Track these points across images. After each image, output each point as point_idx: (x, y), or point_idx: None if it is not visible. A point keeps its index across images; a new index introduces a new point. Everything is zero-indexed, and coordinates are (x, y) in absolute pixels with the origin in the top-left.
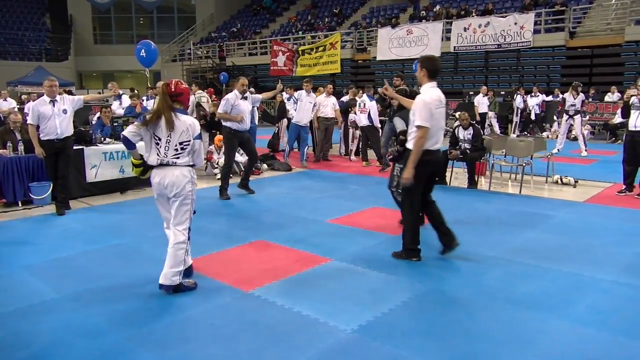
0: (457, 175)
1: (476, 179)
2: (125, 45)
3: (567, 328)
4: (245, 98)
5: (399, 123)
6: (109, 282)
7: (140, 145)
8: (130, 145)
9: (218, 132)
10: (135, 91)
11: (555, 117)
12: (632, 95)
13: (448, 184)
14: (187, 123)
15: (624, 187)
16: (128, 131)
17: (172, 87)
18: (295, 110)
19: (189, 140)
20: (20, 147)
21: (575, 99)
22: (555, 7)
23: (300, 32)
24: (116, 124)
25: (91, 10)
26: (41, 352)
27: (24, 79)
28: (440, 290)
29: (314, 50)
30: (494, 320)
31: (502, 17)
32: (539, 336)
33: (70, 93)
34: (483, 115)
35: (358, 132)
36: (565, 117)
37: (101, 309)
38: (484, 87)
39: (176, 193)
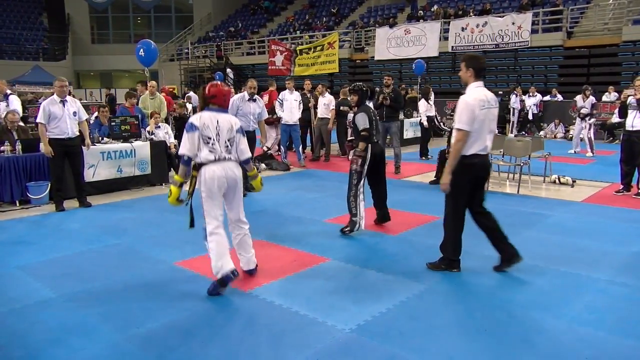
0: None
1: None
2: (122, 45)
3: (564, 327)
4: (254, 100)
5: (360, 120)
6: (106, 282)
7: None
8: (189, 162)
9: None
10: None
11: (575, 118)
12: (629, 95)
13: None
14: (231, 121)
15: (621, 186)
16: (186, 149)
17: (207, 90)
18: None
19: (234, 137)
20: (18, 147)
21: (584, 101)
22: (552, 7)
23: (298, 32)
24: (113, 123)
25: (88, 9)
26: (37, 351)
27: (21, 78)
28: (437, 290)
29: (312, 49)
30: (492, 320)
31: (499, 17)
32: (536, 336)
33: None
34: None
35: None
36: (577, 119)
37: (98, 309)
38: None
39: (238, 184)
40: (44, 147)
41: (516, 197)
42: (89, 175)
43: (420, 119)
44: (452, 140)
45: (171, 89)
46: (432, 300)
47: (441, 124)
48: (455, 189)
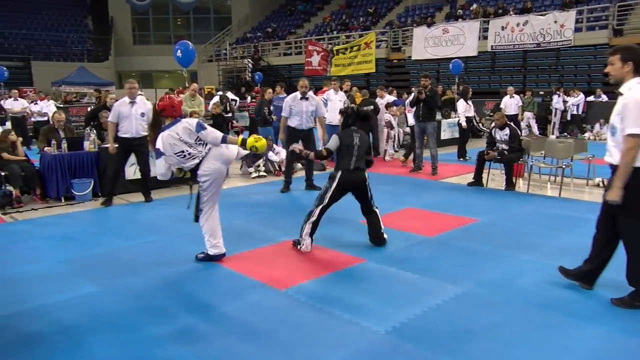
0: (494, 176)
1: (514, 180)
2: (162, 46)
3: (606, 336)
4: (306, 99)
5: (331, 142)
6: (145, 278)
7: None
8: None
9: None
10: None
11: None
12: None
13: (485, 185)
14: (187, 126)
15: None
16: (160, 175)
17: (157, 107)
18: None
19: (197, 136)
20: (64, 145)
21: None
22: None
23: (334, 32)
24: None
25: (130, 11)
26: (80, 342)
27: (67, 79)
28: (474, 294)
29: (349, 49)
30: (530, 326)
31: (541, 15)
32: (577, 344)
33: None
34: (511, 118)
35: (393, 132)
36: None
37: (137, 304)
38: (510, 88)
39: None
40: (110, 145)
41: (557, 200)
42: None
43: (459, 120)
44: (620, 148)
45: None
46: (469, 305)
47: (480, 124)
48: (636, 209)
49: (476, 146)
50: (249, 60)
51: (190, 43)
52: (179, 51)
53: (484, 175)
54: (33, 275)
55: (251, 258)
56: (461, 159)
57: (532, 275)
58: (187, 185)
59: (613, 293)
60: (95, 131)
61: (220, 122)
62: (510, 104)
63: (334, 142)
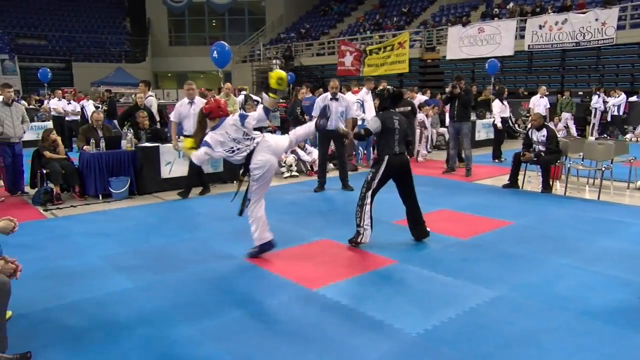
0: (530, 178)
1: (551, 183)
2: (198, 47)
3: None
4: (337, 99)
5: (372, 123)
6: (180, 275)
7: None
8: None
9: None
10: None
11: None
12: None
13: (520, 187)
14: (233, 123)
15: None
16: (200, 160)
17: (205, 110)
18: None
19: (244, 130)
20: (102, 144)
21: None
22: None
23: (368, 32)
24: None
25: (167, 13)
26: (116, 337)
27: (106, 79)
28: (509, 298)
29: (382, 49)
30: (567, 332)
31: (581, 13)
32: (616, 352)
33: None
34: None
35: (427, 133)
36: None
37: (172, 301)
38: (542, 88)
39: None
40: (173, 142)
41: (596, 204)
42: (165, 172)
43: (494, 120)
44: None
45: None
46: (503, 308)
47: (515, 125)
48: None
49: (512, 147)
50: (277, 60)
51: (226, 44)
52: (215, 52)
53: (520, 177)
54: (72, 271)
55: (283, 257)
56: (496, 160)
57: (569, 280)
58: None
59: None
60: (132, 130)
61: None
62: (540, 103)
63: (375, 123)
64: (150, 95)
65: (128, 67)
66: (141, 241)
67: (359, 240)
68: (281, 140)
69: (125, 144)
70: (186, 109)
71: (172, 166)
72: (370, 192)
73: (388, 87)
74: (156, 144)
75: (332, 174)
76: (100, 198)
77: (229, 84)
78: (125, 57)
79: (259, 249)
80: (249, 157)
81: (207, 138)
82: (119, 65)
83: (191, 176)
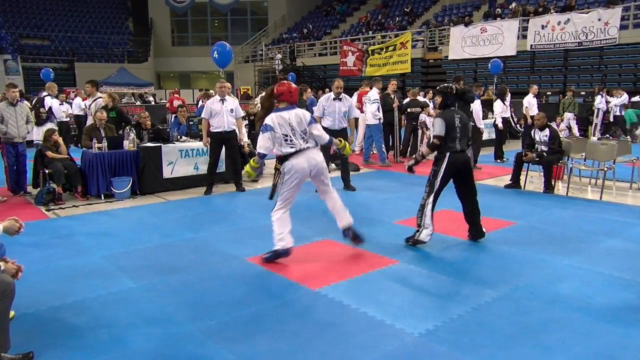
0: (532, 178)
1: (553, 183)
2: (200, 47)
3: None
4: (340, 99)
5: (436, 126)
6: (182, 275)
7: None
8: (264, 157)
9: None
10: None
11: None
12: None
13: (522, 187)
14: (300, 115)
15: None
16: (262, 148)
17: (275, 90)
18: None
19: (306, 128)
20: (104, 144)
21: None
22: None
23: (370, 32)
24: (192, 122)
25: (170, 13)
26: (120, 337)
27: (108, 79)
28: (512, 298)
29: (384, 50)
30: (570, 333)
31: (584, 13)
32: (619, 353)
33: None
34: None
35: (429, 133)
36: None
37: (174, 300)
38: (534, 87)
39: (320, 167)
40: (203, 139)
41: (598, 204)
42: (168, 172)
43: (495, 121)
44: None
45: (245, 90)
46: (506, 309)
47: (517, 125)
48: None
49: (514, 147)
50: (279, 60)
51: (227, 44)
52: (216, 52)
53: (522, 177)
54: (75, 270)
55: (286, 257)
56: (498, 160)
57: (573, 280)
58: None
59: None
60: (134, 130)
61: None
62: (534, 103)
63: (440, 126)
64: (100, 97)
65: (131, 67)
66: (144, 241)
67: (416, 238)
68: (321, 156)
69: (128, 144)
70: (219, 106)
71: (174, 166)
72: (432, 195)
73: (451, 84)
74: (158, 144)
75: (334, 174)
76: (103, 198)
77: (228, 83)
78: (128, 57)
79: (273, 253)
80: (289, 157)
81: (267, 121)
82: (121, 65)
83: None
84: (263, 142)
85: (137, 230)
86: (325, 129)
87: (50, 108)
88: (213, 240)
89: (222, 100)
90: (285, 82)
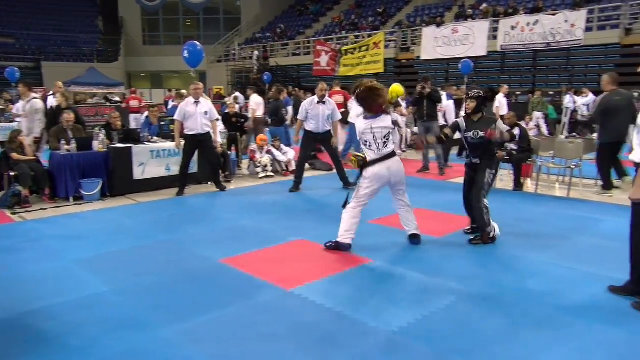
0: (502, 177)
1: (522, 181)
2: (172, 46)
3: (623, 339)
4: (324, 102)
5: (501, 125)
6: (156, 277)
7: None
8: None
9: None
10: (183, 91)
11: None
12: None
13: (493, 185)
14: (384, 124)
15: None
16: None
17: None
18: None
19: (389, 132)
20: (73, 145)
21: None
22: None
23: (343, 32)
24: (163, 123)
25: (141, 12)
26: (92, 342)
27: (78, 79)
28: (483, 295)
29: (357, 50)
30: (542, 327)
31: (551, 14)
32: (591, 347)
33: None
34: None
35: (401, 132)
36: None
37: (147, 303)
38: (505, 87)
39: (400, 173)
40: (176, 141)
41: (566, 201)
42: (139, 173)
43: None
44: None
45: (217, 90)
46: (479, 305)
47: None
48: None
49: None
50: (257, 56)
51: (198, 43)
52: (186, 51)
53: None
54: (44, 275)
55: (259, 258)
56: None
57: (544, 276)
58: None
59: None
60: (104, 131)
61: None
62: (504, 103)
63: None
64: (35, 98)
65: (101, 66)
66: (115, 243)
67: (492, 235)
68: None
69: (98, 145)
70: (192, 108)
71: (146, 167)
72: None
73: (480, 89)
74: (129, 145)
75: (308, 173)
76: (72, 200)
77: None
78: (97, 57)
79: (335, 244)
80: (370, 163)
81: (355, 121)
82: (91, 65)
83: (180, 177)
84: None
85: (108, 233)
86: (309, 132)
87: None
88: (187, 242)
89: (196, 102)
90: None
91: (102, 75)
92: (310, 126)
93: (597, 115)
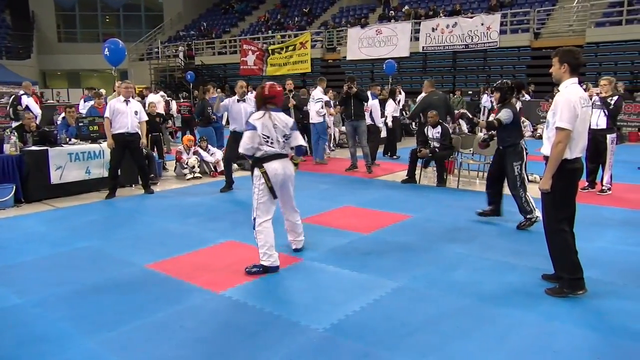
0: (426, 173)
1: (445, 177)
2: (90, 44)
3: (535, 322)
4: (244, 101)
5: (504, 114)
6: (76, 286)
7: None
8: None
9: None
10: (102, 91)
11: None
12: (594, 94)
13: (418, 182)
14: (286, 120)
15: (586, 184)
16: (243, 148)
17: (267, 92)
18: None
19: (289, 134)
20: None
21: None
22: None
23: (270, 32)
24: (81, 124)
25: (54, 7)
26: (5, 359)
27: None
28: (410, 288)
29: (284, 49)
30: (465, 317)
31: (469, 17)
32: (509, 331)
33: None
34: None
35: (329, 132)
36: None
37: (69, 314)
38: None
39: (291, 179)
40: (108, 140)
41: (484, 195)
42: (56, 178)
43: (386, 119)
44: (552, 141)
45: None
46: (406, 299)
47: (407, 120)
48: (559, 198)
49: (408, 144)
50: (183, 53)
51: (120, 41)
52: (107, 49)
53: (417, 172)
54: None
55: (188, 261)
56: (387, 156)
57: (466, 267)
58: None
59: (548, 284)
60: (16, 133)
61: (160, 122)
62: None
63: (508, 114)
64: None
65: (11, 64)
66: (30, 252)
67: (534, 220)
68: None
69: (9, 148)
70: (123, 106)
71: (64, 171)
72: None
73: (507, 80)
74: (45, 147)
75: (237, 174)
76: None
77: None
78: (6, 54)
79: (261, 268)
80: (262, 161)
81: (251, 119)
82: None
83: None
84: (246, 141)
85: (22, 241)
86: (233, 132)
87: (27, 106)
88: (109, 248)
89: (127, 101)
90: (276, 84)
91: (13, 74)
92: (233, 126)
93: (419, 111)
